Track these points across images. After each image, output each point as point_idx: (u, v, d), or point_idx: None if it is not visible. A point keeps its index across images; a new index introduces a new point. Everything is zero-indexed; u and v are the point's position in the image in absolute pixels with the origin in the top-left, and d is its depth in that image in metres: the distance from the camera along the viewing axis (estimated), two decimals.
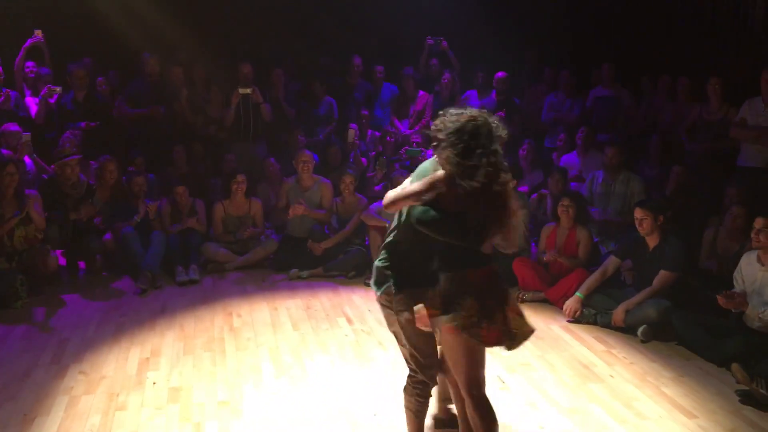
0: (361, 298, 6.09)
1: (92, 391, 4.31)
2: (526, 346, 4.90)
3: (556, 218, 6.10)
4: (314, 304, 5.91)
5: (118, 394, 4.27)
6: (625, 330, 5.25)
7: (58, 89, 7.18)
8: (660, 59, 8.44)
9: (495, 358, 4.79)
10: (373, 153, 8.20)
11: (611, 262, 5.59)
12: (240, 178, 6.93)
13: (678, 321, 5.04)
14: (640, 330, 5.13)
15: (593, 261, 6.04)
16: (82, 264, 6.78)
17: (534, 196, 7.21)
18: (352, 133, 8.05)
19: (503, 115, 8.16)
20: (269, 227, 7.40)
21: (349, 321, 5.53)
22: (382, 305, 3.23)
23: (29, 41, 7.42)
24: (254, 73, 7.95)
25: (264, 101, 7.86)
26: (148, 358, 4.80)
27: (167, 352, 4.91)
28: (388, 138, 8.29)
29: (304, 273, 6.67)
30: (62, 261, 6.62)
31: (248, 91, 7.70)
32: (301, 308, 5.82)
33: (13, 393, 4.28)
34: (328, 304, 5.94)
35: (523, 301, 5.94)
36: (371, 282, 3.33)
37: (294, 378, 4.49)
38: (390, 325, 3.26)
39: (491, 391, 4.26)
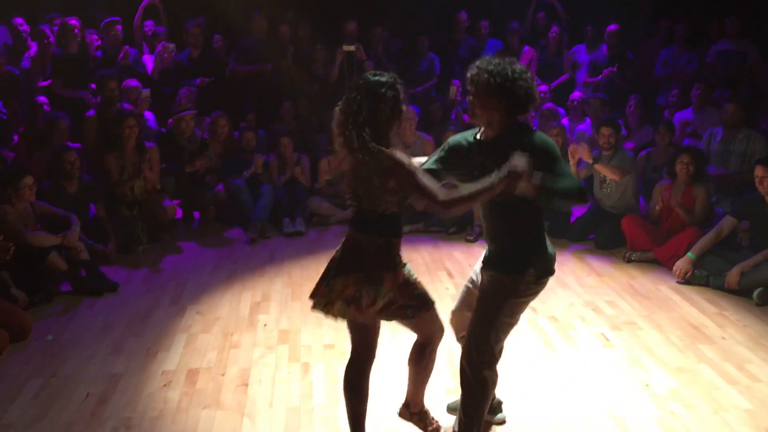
0: (461, 253, 6.11)
1: (208, 330, 4.58)
2: (633, 306, 4.89)
3: (672, 175, 5.85)
4: (415, 258, 5.97)
5: (232, 334, 4.52)
6: (740, 293, 5.04)
7: (172, 47, 7.50)
8: None
9: (599, 316, 4.74)
10: None
11: (727, 222, 5.34)
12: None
13: None
14: (756, 293, 4.91)
15: (707, 222, 5.79)
16: (196, 214, 7.14)
17: (642, 153, 6.94)
18: (453, 90, 7.97)
19: (615, 70, 7.88)
20: None
21: (450, 275, 5.58)
22: None
23: (145, 1, 7.77)
24: (358, 31, 7.99)
25: (368, 59, 7.90)
26: (258, 302, 5.04)
27: (276, 297, 5.14)
28: None
29: (406, 228, 6.69)
30: (179, 211, 6.99)
31: (352, 48, 7.76)
32: None
33: (136, 330, 4.62)
34: (429, 258, 6.01)
35: (630, 260, 5.79)
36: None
37: (394, 325, 4.56)
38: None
39: (595, 347, 4.25)
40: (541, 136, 2.93)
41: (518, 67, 2.89)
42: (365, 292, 2.84)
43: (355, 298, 2.85)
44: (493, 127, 2.94)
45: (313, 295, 3.00)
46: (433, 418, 3.37)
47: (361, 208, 2.92)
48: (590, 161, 6.03)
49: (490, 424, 3.43)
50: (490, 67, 2.85)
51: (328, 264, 2.99)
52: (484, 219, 3.08)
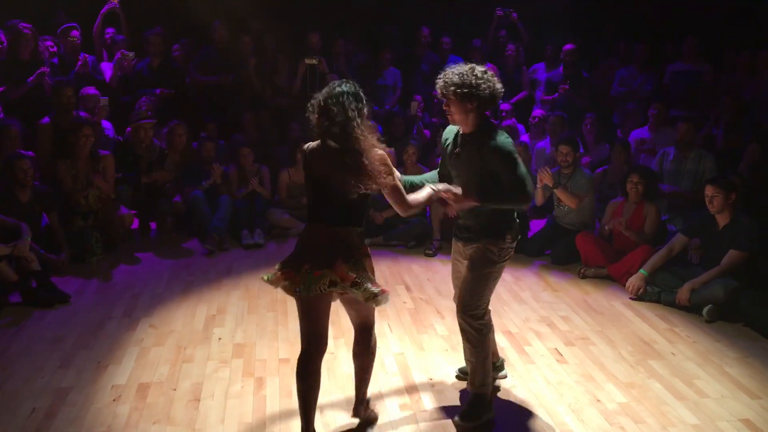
0: (420, 267, 6.13)
1: (161, 344, 4.51)
2: (586, 321, 4.96)
3: (624, 193, 5.99)
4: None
5: (185, 348, 4.46)
6: (690, 309, 5.14)
7: (132, 55, 7.41)
8: (740, 33, 8.11)
9: (554, 331, 4.80)
10: (437, 121, 8.19)
11: (678, 240, 5.47)
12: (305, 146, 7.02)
13: (746, 301, 4.91)
14: (705, 309, 5.02)
15: (659, 239, 5.92)
16: (153, 225, 7.04)
17: (599, 170, 7.08)
18: (415, 105, 8.04)
19: (567, 87, 8.04)
20: None
21: (408, 289, 5.59)
22: None
23: (106, 7, 7.68)
24: (322, 44, 8.00)
25: (331, 72, 7.91)
26: (214, 315, 4.98)
27: (232, 310, 5.09)
28: None
29: (366, 241, 6.72)
30: (135, 221, 6.88)
31: (314, 61, 7.76)
32: None
33: (87, 343, 4.53)
34: (388, 272, 6.01)
35: (585, 276, 5.88)
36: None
37: (351, 340, 4.56)
38: None
39: (548, 362, 4.31)
40: (500, 140, 3.36)
41: (479, 70, 3.37)
42: (360, 277, 3.13)
43: (358, 283, 3.11)
44: (468, 125, 3.44)
45: (289, 289, 3.17)
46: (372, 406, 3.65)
47: (331, 203, 3.16)
48: (550, 184, 6.19)
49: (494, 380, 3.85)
50: (456, 79, 3.33)
51: (290, 258, 3.20)
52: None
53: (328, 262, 3.10)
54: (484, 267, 3.55)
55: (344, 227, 3.17)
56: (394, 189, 3.18)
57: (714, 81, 7.86)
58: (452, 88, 3.32)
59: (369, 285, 3.14)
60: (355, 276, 3.11)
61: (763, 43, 7.41)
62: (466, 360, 3.76)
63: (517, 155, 3.37)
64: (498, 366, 4.04)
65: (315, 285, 3.08)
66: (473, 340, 3.58)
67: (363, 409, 3.56)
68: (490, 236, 3.53)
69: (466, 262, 3.66)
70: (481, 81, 3.32)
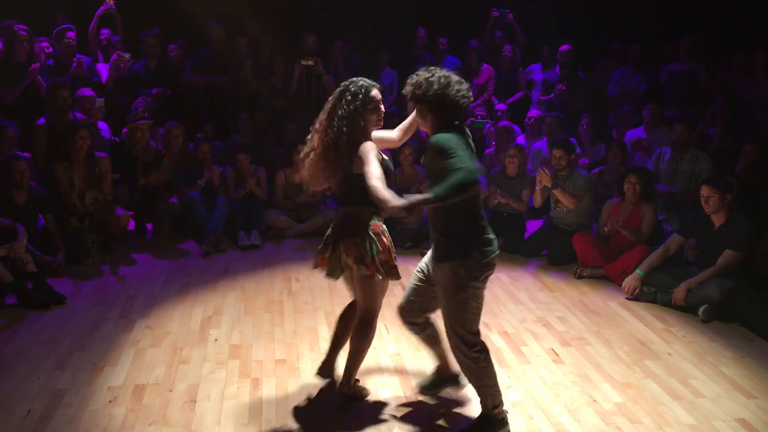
0: (415, 267, 6.11)
1: (157, 345, 4.50)
2: (583, 322, 4.97)
3: (621, 194, 6.00)
4: None
5: (181, 349, 4.45)
6: (686, 309, 5.15)
7: (127, 56, 7.40)
8: (736, 34, 8.13)
9: (550, 331, 4.80)
10: None
11: (674, 240, 5.47)
12: (301, 147, 7.01)
13: (742, 301, 4.92)
14: (701, 309, 5.03)
15: (656, 239, 5.93)
16: (149, 226, 7.03)
17: (595, 171, 7.09)
18: (411, 106, 8.02)
19: (564, 88, 8.05)
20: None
21: (404, 289, 5.57)
22: None
23: (101, 9, 7.68)
24: (318, 45, 8.01)
25: (327, 73, 7.91)
26: (210, 317, 4.98)
27: (229, 311, 5.08)
28: None
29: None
30: (131, 223, 6.87)
31: (310, 62, 7.77)
32: None
33: (83, 344, 4.52)
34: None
35: (581, 277, 5.89)
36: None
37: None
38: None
39: (545, 362, 4.31)
40: (440, 135, 3.19)
41: (446, 79, 3.26)
42: (365, 251, 3.45)
43: (362, 258, 3.45)
44: (427, 128, 3.42)
45: (317, 266, 3.66)
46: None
47: (343, 186, 3.57)
48: (549, 185, 6.21)
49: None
50: (411, 81, 3.35)
51: (325, 240, 3.62)
52: (430, 218, 3.44)
53: (339, 241, 3.51)
54: (456, 294, 3.29)
55: (356, 206, 3.51)
56: (366, 177, 3.24)
57: (709, 81, 7.88)
58: (411, 89, 3.35)
59: (364, 267, 3.47)
60: (356, 254, 3.46)
61: (758, 43, 7.42)
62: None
63: (456, 148, 3.07)
64: (443, 380, 3.89)
65: (335, 270, 3.54)
66: (470, 369, 3.43)
67: (348, 386, 3.76)
68: (456, 256, 3.27)
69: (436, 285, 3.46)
70: (430, 85, 3.24)
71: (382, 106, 3.59)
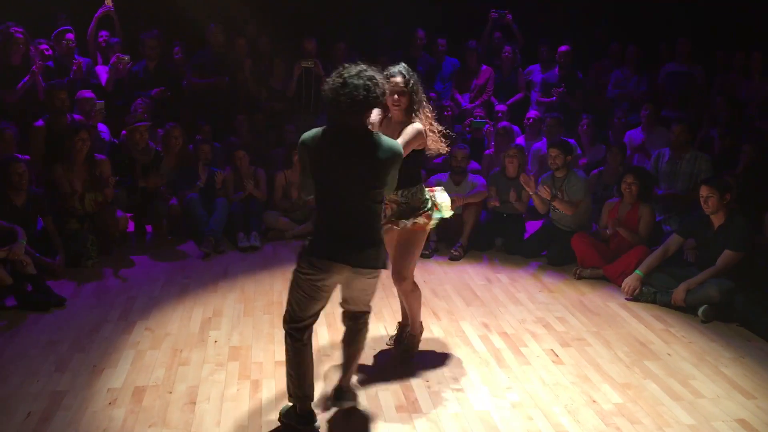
0: (416, 268, 6.10)
1: (157, 347, 4.50)
2: (582, 322, 4.97)
3: (620, 194, 6.01)
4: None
5: (181, 350, 4.45)
6: (685, 309, 5.16)
7: (127, 58, 7.40)
8: (734, 34, 8.14)
9: (550, 332, 4.80)
10: None
11: (674, 241, 5.48)
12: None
13: (742, 301, 4.92)
14: (700, 310, 5.03)
15: (654, 240, 5.93)
16: (149, 228, 7.02)
17: (594, 171, 7.10)
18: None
19: (563, 89, 8.06)
20: None
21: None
22: None
23: (100, 10, 7.68)
24: (317, 47, 8.01)
25: (326, 74, 7.90)
26: (210, 318, 4.98)
27: (228, 313, 5.08)
28: (445, 113, 8.27)
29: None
30: (130, 224, 6.87)
31: (309, 64, 7.77)
32: None
33: (83, 346, 4.51)
34: (384, 273, 5.97)
35: (581, 277, 5.89)
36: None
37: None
38: None
39: (544, 363, 4.31)
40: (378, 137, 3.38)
41: (350, 76, 3.17)
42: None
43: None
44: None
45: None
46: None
47: None
48: (548, 198, 6.23)
49: None
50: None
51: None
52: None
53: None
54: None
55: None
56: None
57: (707, 82, 7.89)
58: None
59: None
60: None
61: (756, 44, 7.43)
62: None
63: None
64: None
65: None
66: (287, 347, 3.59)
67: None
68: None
69: None
70: (342, 88, 3.20)
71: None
